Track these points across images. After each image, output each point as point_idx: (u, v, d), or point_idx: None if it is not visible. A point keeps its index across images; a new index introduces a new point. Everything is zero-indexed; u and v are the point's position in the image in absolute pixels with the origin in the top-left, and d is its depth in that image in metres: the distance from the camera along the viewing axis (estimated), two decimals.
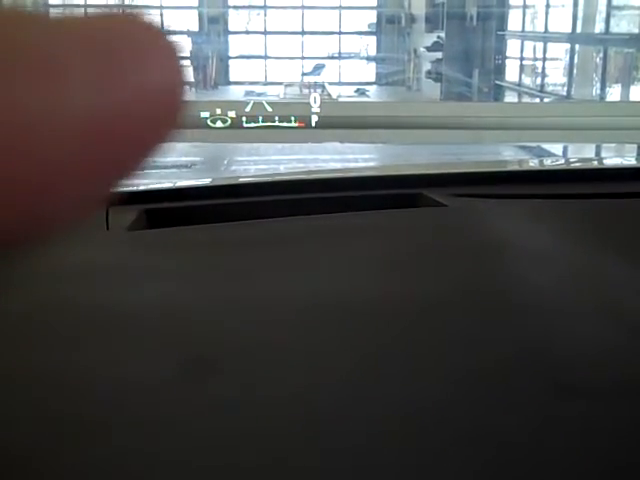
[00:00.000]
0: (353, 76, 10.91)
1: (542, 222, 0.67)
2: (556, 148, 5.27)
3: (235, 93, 9.91)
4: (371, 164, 5.63)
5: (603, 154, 4.84)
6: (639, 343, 0.44)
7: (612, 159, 1.69)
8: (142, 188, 0.86)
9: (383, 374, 0.40)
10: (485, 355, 0.42)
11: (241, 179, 1.09)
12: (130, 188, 0.83)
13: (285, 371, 0.41)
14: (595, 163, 1.38)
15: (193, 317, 0.48)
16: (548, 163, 1.38)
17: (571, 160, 2.28)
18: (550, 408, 0.37)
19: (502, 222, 0.68)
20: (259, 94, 9.06)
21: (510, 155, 5.46)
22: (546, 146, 5.20)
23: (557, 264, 0.57)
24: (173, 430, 0.36)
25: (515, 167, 1.01)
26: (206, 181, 0.92)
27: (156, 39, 0.14)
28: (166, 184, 0.86)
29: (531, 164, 1.29)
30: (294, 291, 0.52)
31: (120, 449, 0.34)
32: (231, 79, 10.90)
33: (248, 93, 9.25)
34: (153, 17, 0.14)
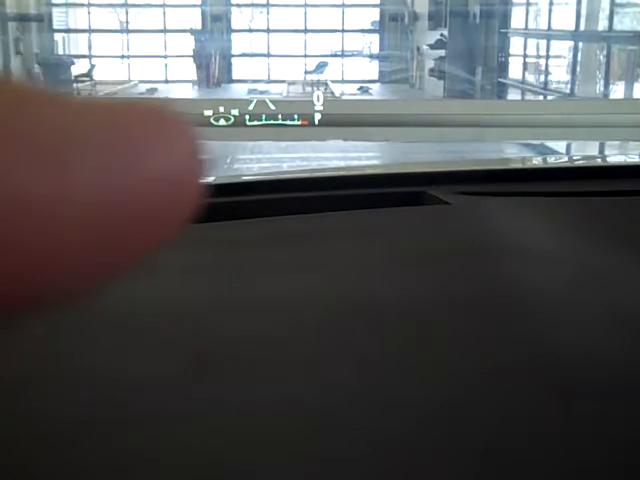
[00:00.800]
0: (356, 74, 10.91)
1: (546, 220, 0.67)
2: (560, 146, 5.27)
3: (238, 91, 9.92)
4: (374, 162, 5.63)
5: (607, 152, 4.83)
6: None
7: (616, 156, 1.68)
8: None
9: (387, 374, 0.40)
10: (488, 354, 0.42)
11: (243, 177, 1.09)
12: None
13: (287, 371, 0.41)
14: (599, 161, 1.38)
15: (194, 315, 0.48)
16: (552, 161, 1.37)
17: (575, 158, 2.28)
18: (553, 410, 0.37)
19: (506, 220, 0.68)
20: (262, 92, 9.06)
21: (513, 153, 5.46)
22: (550, 143, 5.20)
23: (561, 262, 0.57)
24: (174, 429, 0.36)
25: (519, 165, 1.01)
26: (209, 179, 0.92)
27: (175, 127, 0.14)
28: None
29: (535, 162, 1.29)
30: (297, 290, 0.52)
31: (121, 448, 0.34)
32: (234, 77, 10.91)
33: (251, 91, 9.25)
34: (172, 107, 0.14)
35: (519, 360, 0.42)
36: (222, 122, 3.34)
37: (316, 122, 3.40)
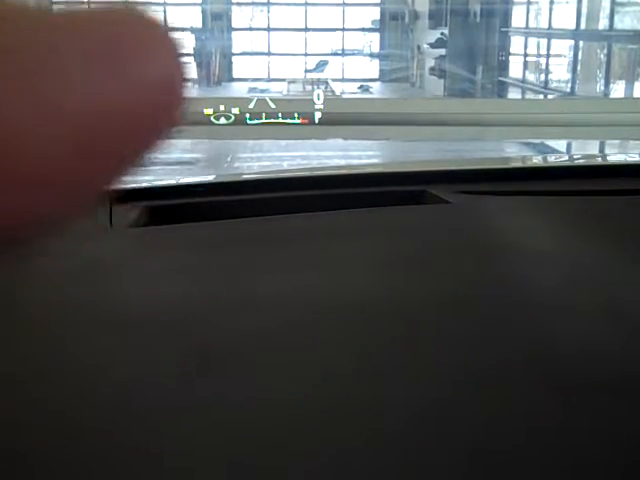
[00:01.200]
0: (356, 72, 10.90)
1: (546, 219, 0.67)
2: (560, 145, 5.26)
3: (238, 90, 9.91)
4: (375, 161, 5.62)
5: (607, 151, 4.83)
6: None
7: (616, 155, 1.68)
8: (145, 185, 0.86)
9: (387, 372, 0.40)
10: (489, 351, 0.42)
11: (244, 176, 1.09)
12: (133, 185, 0.83)
13: (288, 369, 0.41)
14: (599, 160, 1.38)
15: (196, 314, 0.48)
16: (552, 160, 1.37)
17: (575, 157, 2.28)
18: (551, 405, 0.37)
19: (506, 219, 0.68)
20: (262, 91, 9.05)
21: (514, 152, 5.45)
22: (550, 142, 5.19)
23: (561, 260, 0.57)
24: (177, 424, 0.36)
25: (519, 164, 1.01)
26: (209, 178, 0.92)
27: (157, 34, 0.14)
28: (169, 181, 0.86)
29: (535, 161, 1.29)
30: (298, 288, 0.52)
31: (124, 443, 0.34)
32: (234, 76, 10.90)
33: (251, 90, 9.24)
34: (154, 12, 0.14)
35: (518, 356, 0.42)
36: (222, 121, 3.34)
37: (316, 121, 3.40)
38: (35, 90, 0.12)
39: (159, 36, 0.14)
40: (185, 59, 0.14)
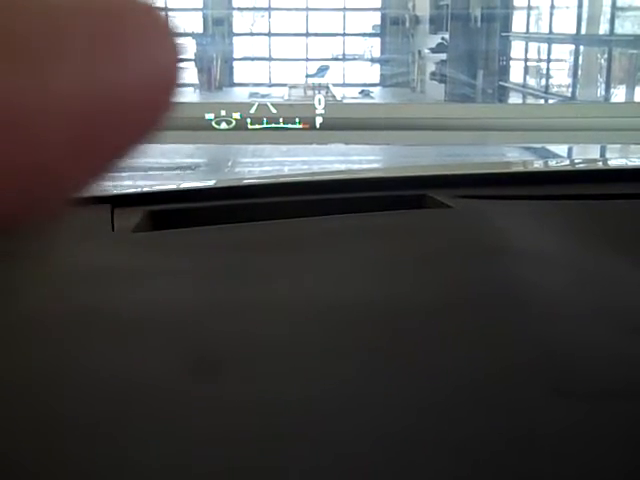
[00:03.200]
0: (357, 77, 10.90)
1: (547, 223, 0.67)
2: (561, 149, 5.26)
3: (239, 95, 9.91)
4: (375, 165, 5.63)
5: (608, 155, 4.83)
6: None
7: (617, 160, 1.68)
8: (147, 190, 0.86)
9: (388, 376, 0.40)
10: (490, 355, 0.42)
11: (245, 181, 1.09)
12: (135, 190, 0.83)
13: (289, 372, 0.41)
14: (599, 164, 1.38)
15: (197, 318, 0.48)
16: (553, 164, 1.37)
17: (575, 161, 2.27)
18: (551, 411, 0.37)
19: (507, 223, 0.68)
20: (263, 96, 9.06)
21: (515, 156, 5.45)
22: (551, 147, 5.19)
23: (561, 265, 0.57)
24: (177, 429, 0.36)
25: (520, 168, 1.01)
26: (210, 183, 0.92)
27: (154, 20, 0.14)
28: (170, 186, 0.86)
29: (536, 165, 1.29)
30: (298, 293, 0.52)
31: (121, 449, 0.34)
32: (235, 81, 10.90)
33: (252, 95, 9.25)
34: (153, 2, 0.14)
35: (520, 361, 0.42)
36: (223, 125, 3.34)
37: (317, 126, 3.40)
38: (35, 73, 0.12)
39: (156, 21, 0.14)
40: (181, 43, 0.14)
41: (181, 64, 0.14)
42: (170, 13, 0.14)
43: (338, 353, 0.43)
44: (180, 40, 0.14)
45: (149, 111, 0.14)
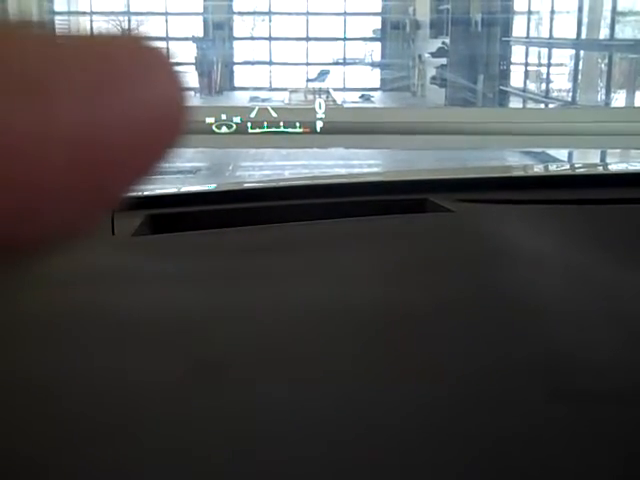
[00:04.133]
0: (358, 82, 10.92)
1: (548, 228, 0.67)
2: (561, 154, 5.27)
3: (240, 99, 9.93)
4: (376, 170, 5.63)
5: (608, 160, 4.83)
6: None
7: (617, 165, 1.68)
8: (147, 193, 0.86)
9: (389, 379, 0.40)
10: (488, 360, 0.42)
11: (245, 184, 1.09)
12: (135, 194, 0.83)
13: (289, 377, 0.41)
14: (600, 169, 1.38)
15: (198, 322, 0.48)
16: (553, 168, 1.37)
17: (576, 166, 2.28)
18: (550, 413, 0.37)
19: (508, 228, 0.68)
20: (264, 100, 9.07)
21: (515, 161, 5.46)
22: (551, 151, 5.20)
23: (562, 270, 0.57)
24: (173, 435, 0.36)
25: (520, 172, 1.01)
26: (211, 186, 0.92)
27: (156, 59, 0.14)
28: (171, 189, 0.86)
29: (536, 169, 1.29)
30: (298, 296, 0.52)
31: (118, 453, 0.34)
32: (236, 85, 10.92)
33: (253, 99, 9.26)
34: (153, 40, 0.14)
35: (520, 364, 0.42)
36: (224, 130, 3.34)
37: (318, 130, 3.40)
38: (37, 106, 0.12)
39: (158, 59, 0.14)
40: (185, 82, 0.14)
41: (185, 98, 0.14)
42: (169, 52, 0.14)
43: (338, 357, 0.43)
44: (182, 76, 0.14)
45: (153, 144, 0.14)
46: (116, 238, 0.66)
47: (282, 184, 0.89)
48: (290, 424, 0.36)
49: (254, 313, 0.49)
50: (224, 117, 3.35)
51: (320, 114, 3.40)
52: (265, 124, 3.38)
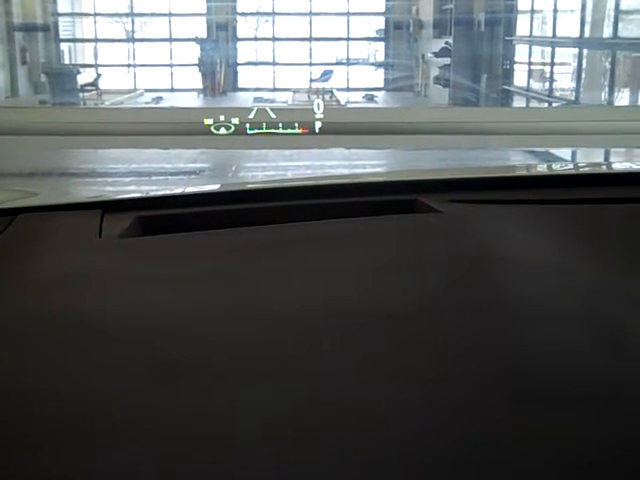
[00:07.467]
0: (361, 82, 10.92)
1: (537, 228, 0.66)
2: (564, 153, 5.26)
3: (243, 99, 9.94)
4: (378, 170, 5.63)
5: (611, 159, 4.83)
6: (623, 355, 0.44)
7: (619, 164, 1.68)
8: (138, 195, 0.86)
9: (378, 378, 0.40)
10: (479, 358, 0.42)
11: (248, 185, 1.09)
12: (125, 196, 0.83)
13: (286, 377, 0.41)
14: (602, 167, 1.37)
15: (187, 324, 0.48)
16: (543, 168, 1.37)
17: (567, 165, 2.27)
18: (514, 415, 0.37)
19: (498, 228, 0.67)
20: (267, 100, 9.08)
21: (518, 160, 5.45)
22: (554, 151, 5.19)
23: (551, 270, 0.57)
24: (155, 434, 0.35)
25: (511, 173, 1.01)
26: (205, 188, 0.92)
27: None
28: (163, 191, 0.86)
29: (526, 170, 1.29)
30: (287, 297, 0.52)
31: (105, 455, 0.34)
32: (240, 85, 10.93)
33: (256, 99, 9.27)
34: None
35: (509, 364, 0.42)
36: (222, 131, 3.34)
37: (317, 130, 3.40)
38: None
39: None
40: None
41: None
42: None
43: (326, 356, 0.43)
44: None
45: None
46: (101, 240, 0.66)
47: (272, 186, 0.89)
48: (284, 425, 0.36)
49: (248, 314, 0.49)
50: (222, 118, 3.35)
51: (319, 115, 3.39)
52: (264, 125, 3.38)
